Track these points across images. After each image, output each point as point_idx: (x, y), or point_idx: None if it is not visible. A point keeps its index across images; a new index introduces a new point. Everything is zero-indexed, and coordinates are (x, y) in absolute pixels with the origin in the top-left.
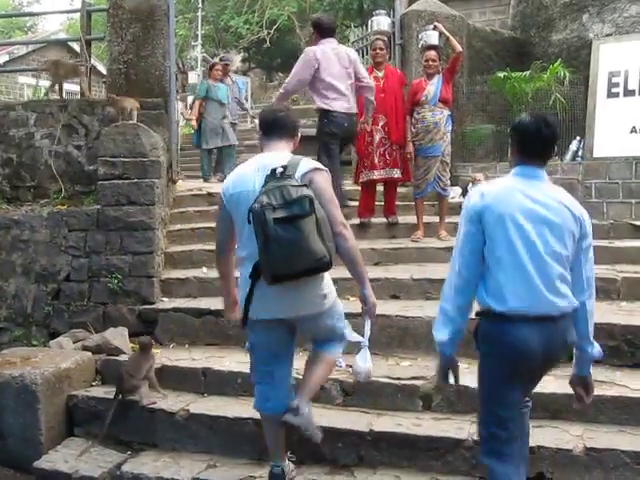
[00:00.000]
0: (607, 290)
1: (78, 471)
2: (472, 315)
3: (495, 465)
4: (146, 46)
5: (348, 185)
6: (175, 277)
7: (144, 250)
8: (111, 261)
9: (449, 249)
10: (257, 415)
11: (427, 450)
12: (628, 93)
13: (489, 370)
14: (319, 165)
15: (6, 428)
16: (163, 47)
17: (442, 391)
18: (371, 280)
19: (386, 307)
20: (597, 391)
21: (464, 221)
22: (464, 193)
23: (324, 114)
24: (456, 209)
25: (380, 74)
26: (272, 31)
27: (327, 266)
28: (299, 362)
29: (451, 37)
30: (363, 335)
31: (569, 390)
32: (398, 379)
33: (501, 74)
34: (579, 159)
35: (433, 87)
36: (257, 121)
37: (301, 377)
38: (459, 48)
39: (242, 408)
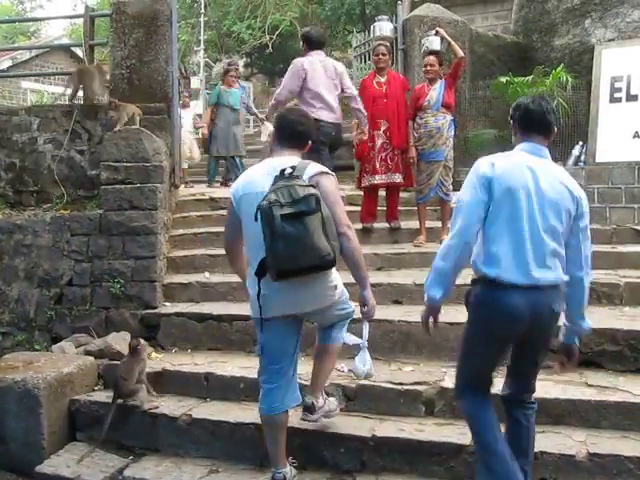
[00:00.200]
0: (610, 295)
1: (80, 476)
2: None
3: (469, 400)
4: (149, 51)
5: (350, 190)
6: (177, 282)
7: (146, 255)
8: (113, 266)
9: None
10: (260, 421)
11: (429, 455)
12: (631, 98)
13: (476, 330)
14: (326, 169)
15: (8, 433)
16: (166, 52)
17: (445, 396)
18: (373, 285)
19: (388, 312)
20: (600, 396)
21: (472, 187)
22: None
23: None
24: None
25: (383, 79)
26: (274, 36)
27: (330, 264)
28: (302, 367)
29: (453, 42)
30: (362, 337)
31: (572, 396)
32: (400, 384)
33: (503, 79)
34: (582, 164)
35: (435, 92)
36: (268, 124)
37: (306, 383)
38: (461, 53)
39: (244, 413)
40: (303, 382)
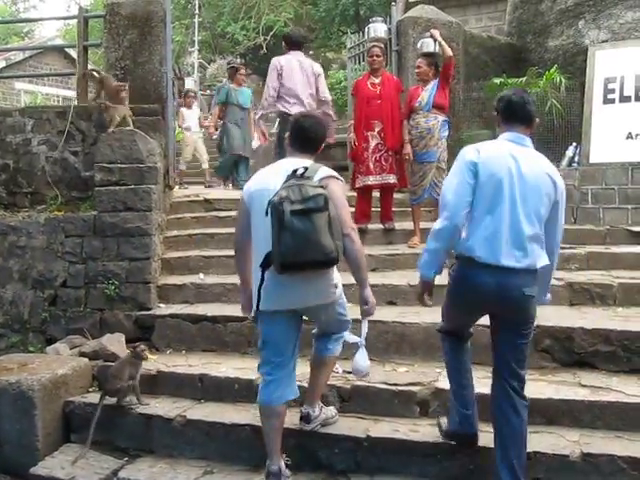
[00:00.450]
0: (603, 296)
1: (74, 477)
2: None
3: (447, 338)
4: (143, 52)
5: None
6: (172, 283)
7: (141, 256)
8: (108, 267)
9: None
10: (254, 422)
11: (424, 456)
12: (624, 99)
13: (452, 301)
14: (336, 174)
15: (2, 434)
16: (160, 53)
17: (439, 397)
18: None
19: (383, 313)
20: (593, 397)
21: (459, 172)
22: None
23: (283, 118)
24: None
25: (377, 80)
26: (269, 37)
27: (333, 261)
28: (299, 368)
29: (443, 43)
30: (360, 335)
31: (565, 396)
32: (395, 385)
33: (497, 80)
34: (575, 165)
35: (427, 93)
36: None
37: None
38: (449, 53)
39: (239, 415)
40: (302, 383)
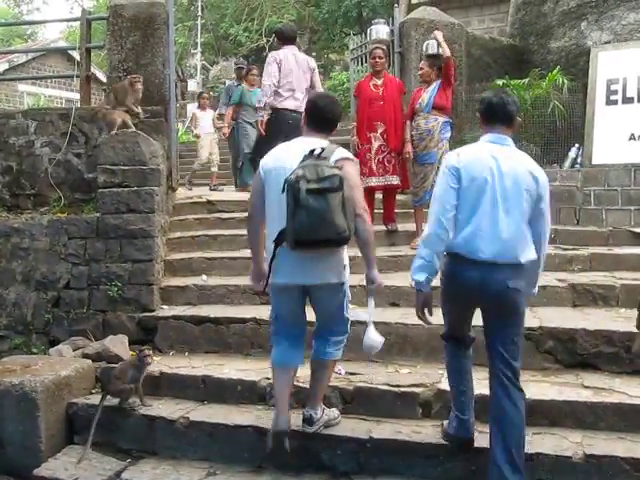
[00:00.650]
0: (606, 297)
1: (78, 479)
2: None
3: (450, 344)
4: (146, 54)
5: None
6: (175, 285)
7: (144, 258)
8: (111, 269)
9: None
10: (257, 423)
11: (426, 457)
12: (627, 100)
13: (445, 296)
14: (351, 156)
15: (6, 436)
16: (163, 55)
17: (442, 398)
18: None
19: (386, 315)
20: (596, 398)
21: (443, 178)
22: None
23: (274, 110)
24: None
25: (379, 82)
26: (271, 39)
27: (345, 240)
28: (302, 370)
29: (443, 44)
30: (368, 313)
31: (568, 397)
32: (398, 386)
33: (500, 82)
34: (578, 166)
35: (427, 95)
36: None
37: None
38: (447, 53)
39: (242, 416)
40: (304, 385)
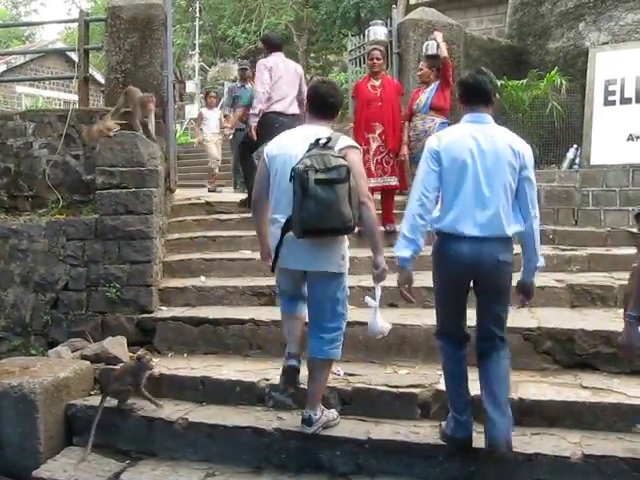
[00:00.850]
0: (604, 297)
1: None
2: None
3: (444, 344)
4: (144, 55)
5: None
6: (173, 286)
7: (142, 259)
8: (109, 270)
9: None
10: (256, 424)
11: (425, 458)
12: (625, 101)
13: (436, 273)
14: (355, 144)
15: (4, 438)
16: (161, 56)
17: (440, 399)
18: (369, 288)
19: (384, 315)
20: (595, 398)
21: (424, 161)
22: None
23: (262, 114)
24: None
25: (377, 83)
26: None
27: (351, 229)
28: (303, 371)
29: (441, 45)
30: (375, 299)
31: (566, 397)
32: (396, 387)
33: (498, 82)
34: (576, 167)
35: (425, 96)
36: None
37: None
38: (444, 54)
39: (241, 417)
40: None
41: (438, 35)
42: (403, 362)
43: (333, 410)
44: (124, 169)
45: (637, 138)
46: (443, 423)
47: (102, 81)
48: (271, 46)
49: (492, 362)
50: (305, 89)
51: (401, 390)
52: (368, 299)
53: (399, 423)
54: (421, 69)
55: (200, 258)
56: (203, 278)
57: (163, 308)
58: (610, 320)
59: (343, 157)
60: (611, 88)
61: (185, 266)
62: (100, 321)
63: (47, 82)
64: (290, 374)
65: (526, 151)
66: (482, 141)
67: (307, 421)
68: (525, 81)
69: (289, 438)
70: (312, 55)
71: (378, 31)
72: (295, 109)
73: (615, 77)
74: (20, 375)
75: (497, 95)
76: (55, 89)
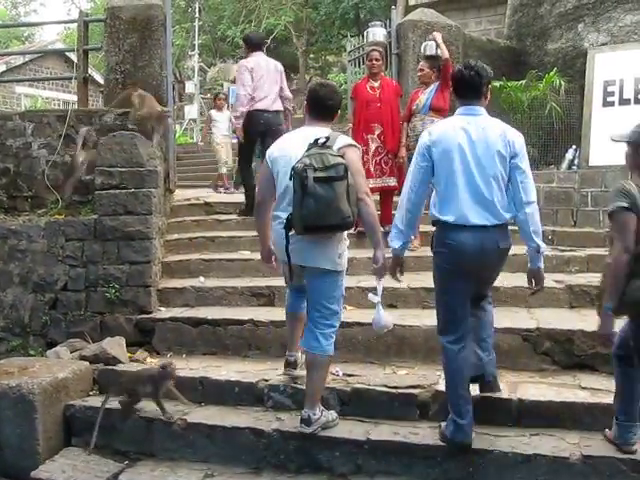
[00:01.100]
0: None
1: None
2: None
3: (447, 344)
4: (143, 56)
5: None
6: (172, 287)
7: (141, 260)
8: (108, 271)
9: None
10: (255, 425)
11: (424, 458)
12: (623, 102)
13: (439, 267)
14: (353, 142)
15: (3, 438)
16: (160, 57)
17: (439, 399)
18: (368, 289)
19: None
20: (593, 399)
21: (416, 156)
22: None
23: (247, 114)
24: None
25: (376, 84)
26: (269, 41)
27: (350, 225)
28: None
29: (441, 45)
30: (377, 294)
31: (565, 398)
32: (395, 388)
33: (497, 83)
34: (575, 168)
35: (424, 96)
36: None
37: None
38: (445, 55)
39: (240, 418)
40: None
41: (437, 35)
42: (402, 363)
43: (332, 411)
44: (123, 169)
45: None
46: (443, 424)
47: (101, 81)
48: (252, 46)
49: (480, 310)
50: (286, 85)
51: (400, 391)
52: (371, 295)
53: (398, 424)
54: (422, 70)
55: (199, 259)
56: (202, 279)
57: (162, 309)
58: None
59: (341, 156)
60: (610, 89)
61: (184, 267)
62: (99, 321)
63: (46, 82)
64: (291, 363)
65: (517, 139)
66: (473, 132)
67: (306, 421)
68: (524, 82)
69: (288, 439)
70: (311, 56)
71: (377, 32)
72: (279, 105)
73: (614, 78)
74: (19, 375)
75: (489, 85)
76: (54, 89)
